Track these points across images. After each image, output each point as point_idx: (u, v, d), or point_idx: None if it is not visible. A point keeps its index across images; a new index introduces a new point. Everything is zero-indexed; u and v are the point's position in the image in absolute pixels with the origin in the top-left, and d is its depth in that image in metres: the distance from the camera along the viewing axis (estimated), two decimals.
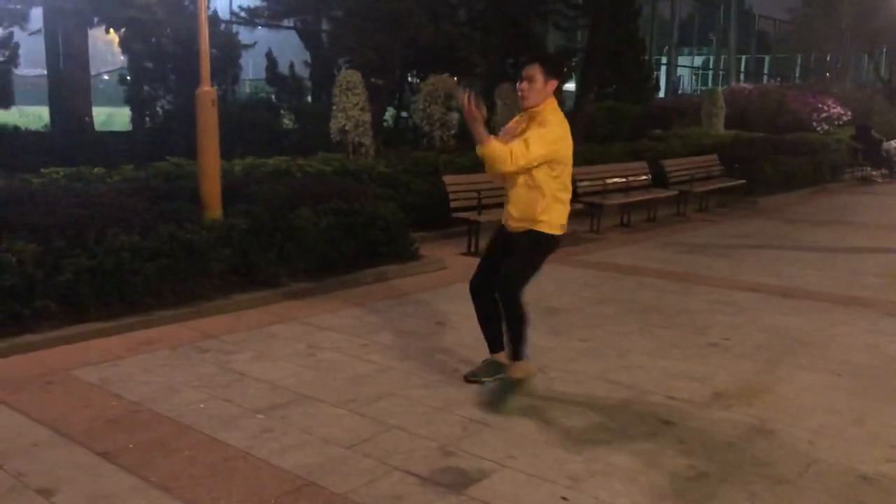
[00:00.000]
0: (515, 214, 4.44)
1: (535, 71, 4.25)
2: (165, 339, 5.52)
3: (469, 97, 4.04)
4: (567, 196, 4.47)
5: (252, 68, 17.60)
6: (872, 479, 3.57)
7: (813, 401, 4.53)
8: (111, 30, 12.37)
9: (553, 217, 4.39)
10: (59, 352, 5.18)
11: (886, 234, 10.84)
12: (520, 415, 4.27)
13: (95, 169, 7.81)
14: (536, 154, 4.22)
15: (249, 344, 5.45)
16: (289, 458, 3.68)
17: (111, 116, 15.91)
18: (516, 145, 4.21)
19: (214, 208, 6.78)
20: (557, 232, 4.44)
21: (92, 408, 4.26)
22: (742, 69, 38.14)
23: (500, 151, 4.17)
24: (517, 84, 4.40)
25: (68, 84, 12.12)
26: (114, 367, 4.91)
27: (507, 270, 4.37)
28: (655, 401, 4.50)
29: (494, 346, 4.64)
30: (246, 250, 6.65)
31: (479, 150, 4.20)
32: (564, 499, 3.35)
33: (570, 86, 20.91)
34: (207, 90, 6.74)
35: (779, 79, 27.86)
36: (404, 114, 16.43)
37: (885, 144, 20.38)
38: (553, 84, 4.34)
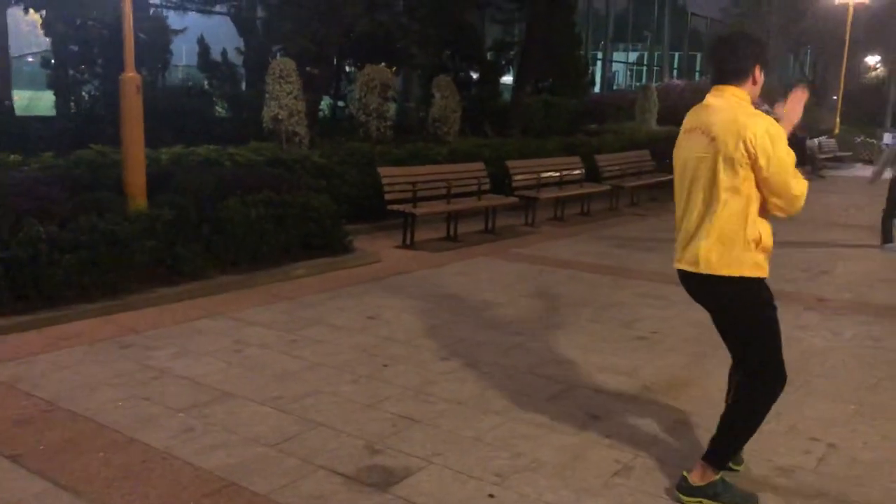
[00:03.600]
0: None
1: None
2: (85, 333, 5.32)
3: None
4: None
5: (185, 54, 17.14)
6: (789, 470, 3.66)
7: None
8: (31, 10, 11.85)
9: None
10: None
11: (808, 230, 11.19)
12: (448, 412, 4.24)
13: (12, 156, 7.47)
14: None
15: (173, 339, 5.28)
16: (210, 458, 3.57)
17: (33, 101, 15.28)
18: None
19: (139, 198, 6.58)
20: None
21: (1, 407, 4.06)
22: (675, 66, 38.90)
23: None
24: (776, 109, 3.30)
25: None
26: (27, 364, 4.70)
27: None
28: (584, 395, 4.53)
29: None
30: (171, 242, 6.46)
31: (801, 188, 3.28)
32: (491, 496, 3.33)
33: (508, 79, 20.97)
34: (132, 76, 6.52)
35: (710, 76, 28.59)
36: (341, 103, 16.22)
37: (809, 142, 21.03)
38: None
